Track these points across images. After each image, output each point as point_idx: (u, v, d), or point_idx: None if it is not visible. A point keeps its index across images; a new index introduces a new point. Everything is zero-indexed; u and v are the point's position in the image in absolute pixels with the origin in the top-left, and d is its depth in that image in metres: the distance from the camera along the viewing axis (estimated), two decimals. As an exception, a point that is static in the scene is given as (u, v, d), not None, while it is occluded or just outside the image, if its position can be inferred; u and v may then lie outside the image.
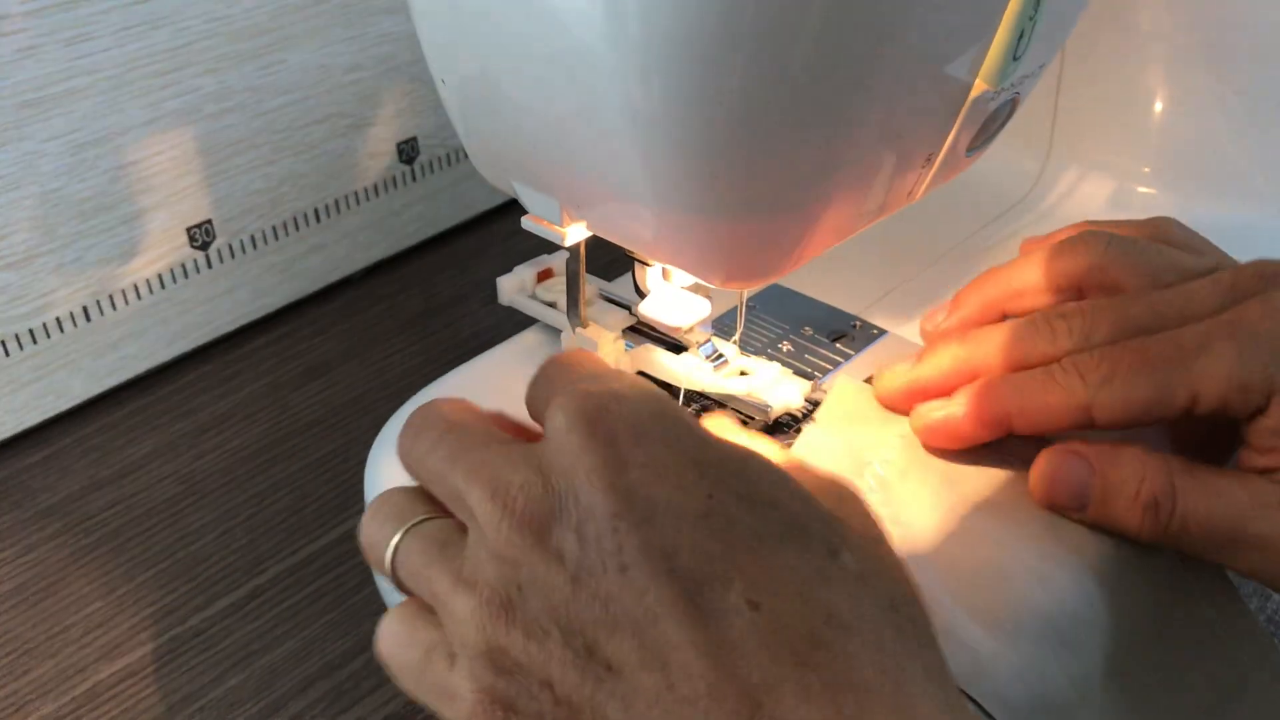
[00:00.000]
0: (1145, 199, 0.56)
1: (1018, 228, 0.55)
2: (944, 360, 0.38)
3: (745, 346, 0.44)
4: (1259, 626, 0.36)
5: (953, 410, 0.36)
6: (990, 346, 0.37)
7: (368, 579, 0.49)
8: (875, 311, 0.48)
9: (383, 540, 0.30)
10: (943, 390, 0.37)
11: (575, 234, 0.37)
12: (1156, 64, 0.54)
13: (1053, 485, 0.35)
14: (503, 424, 0.33)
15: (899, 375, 0.38)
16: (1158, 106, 0.55)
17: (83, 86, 0.53)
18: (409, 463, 0.32)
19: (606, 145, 0.32)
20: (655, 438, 0.27)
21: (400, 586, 0.31)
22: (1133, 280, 0.37)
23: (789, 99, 0.30)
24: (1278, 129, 0.53)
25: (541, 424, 0.30)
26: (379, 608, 0.46)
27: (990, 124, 0.36)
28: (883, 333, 0.47)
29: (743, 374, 0.43)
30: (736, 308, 0.42)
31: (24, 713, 0.44)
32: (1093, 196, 0.56)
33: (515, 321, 0.48)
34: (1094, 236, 0.38)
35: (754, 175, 0.32)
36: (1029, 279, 0.39)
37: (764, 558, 0.26)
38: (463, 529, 0.29)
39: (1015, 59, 0.34)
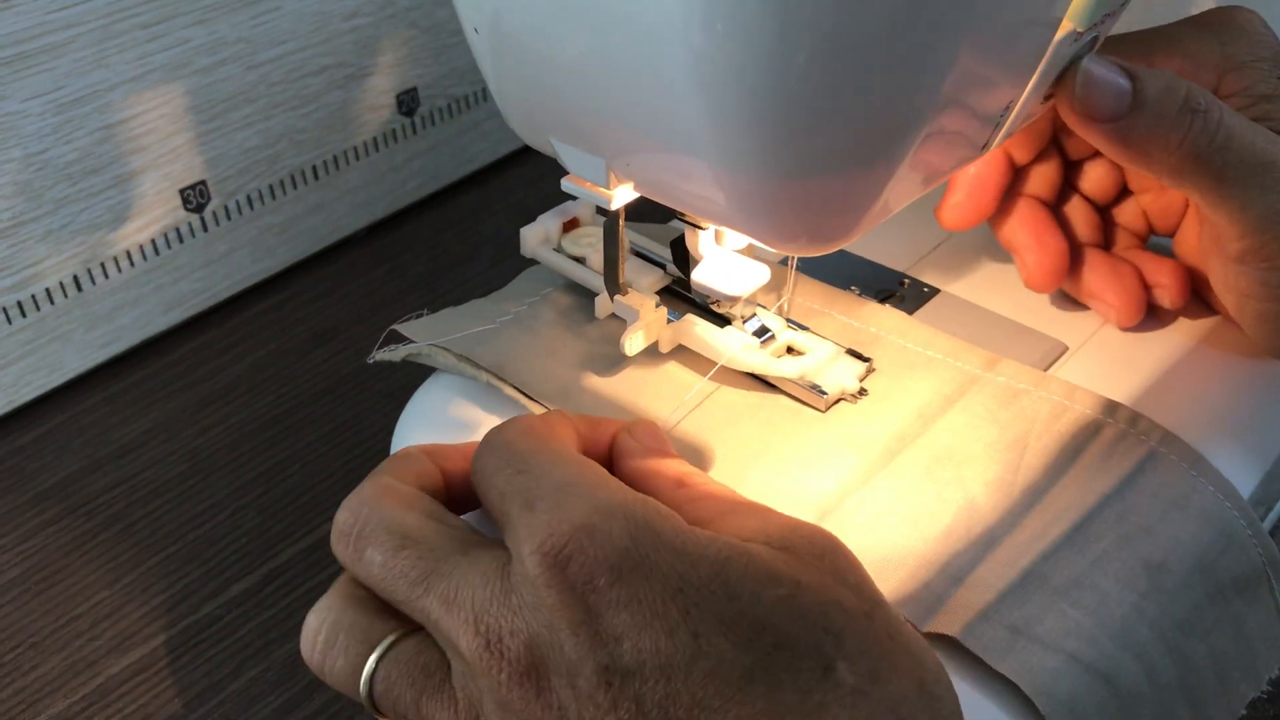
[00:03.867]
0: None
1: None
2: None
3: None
4: None
5: None
6: None
7: (390, 559, 0.46)
8: (925, 268, 0.45)
9: (352, 670, 0.29)
10: None
11: (622, 196, 0.34)
12: None
13: (1089, 91, 0.33)
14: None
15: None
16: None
17: (64, 41, 0.49)
18: (358, 570, 0.30)
19: (664, 97, 0.29)
20: (632, 572, 0.26)
21: (380, 713, 0.29)
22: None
23: (868, 43, 0.27)
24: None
25: (491, 509, 0.30)
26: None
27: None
28: (934, 290, 0.44)
29: (790, 350, 0.40)
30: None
31: (34, 710, 0.41)
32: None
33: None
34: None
35: (829, 127, 0.29)
36: None
37: (755, 699, 0.25)
38: (436, 648, 0.29)
39: (1104, -4, 0.31)
